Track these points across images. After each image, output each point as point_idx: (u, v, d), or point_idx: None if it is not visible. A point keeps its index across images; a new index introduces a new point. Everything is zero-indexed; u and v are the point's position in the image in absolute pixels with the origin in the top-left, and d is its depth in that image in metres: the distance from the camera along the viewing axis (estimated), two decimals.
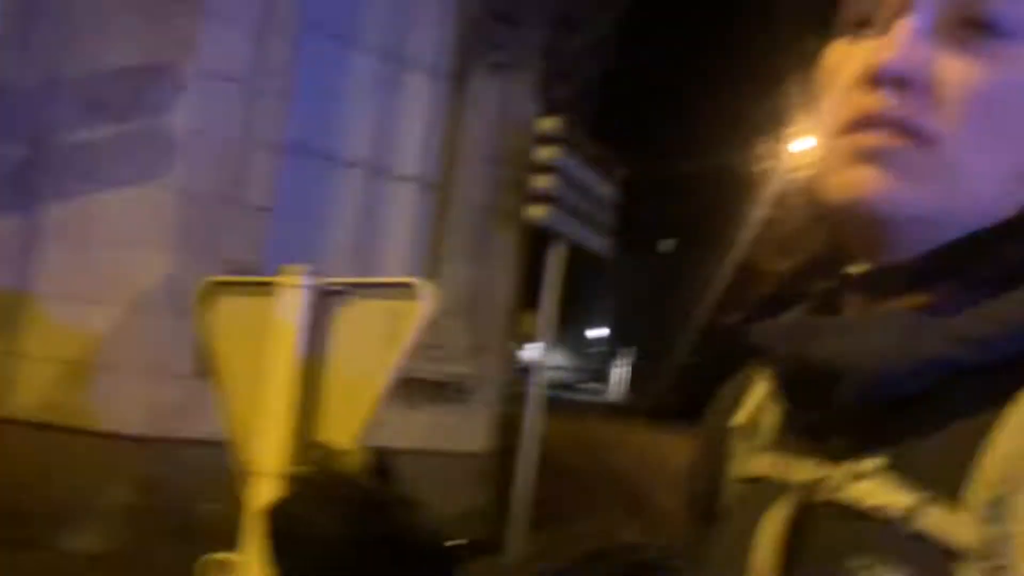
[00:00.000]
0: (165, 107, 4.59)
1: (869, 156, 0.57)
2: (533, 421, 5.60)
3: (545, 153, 5.36)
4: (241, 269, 4.45)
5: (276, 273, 1.54)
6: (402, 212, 5.76)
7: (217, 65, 4.68)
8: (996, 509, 0.50)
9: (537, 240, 6.43)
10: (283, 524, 0.79)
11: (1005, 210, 0.57)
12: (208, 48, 4.65)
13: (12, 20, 4.70)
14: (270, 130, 4.87)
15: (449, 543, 0.84)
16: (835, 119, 0.59)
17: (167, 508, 4.42)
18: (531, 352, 6.93)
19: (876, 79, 0.56)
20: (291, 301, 1.46)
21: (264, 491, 1.43)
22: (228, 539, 1.65)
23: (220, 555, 1.63)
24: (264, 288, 1.52)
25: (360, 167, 5.56)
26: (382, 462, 0.85)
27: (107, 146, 4.59)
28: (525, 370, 6.68)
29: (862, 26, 0.60)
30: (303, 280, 1.46)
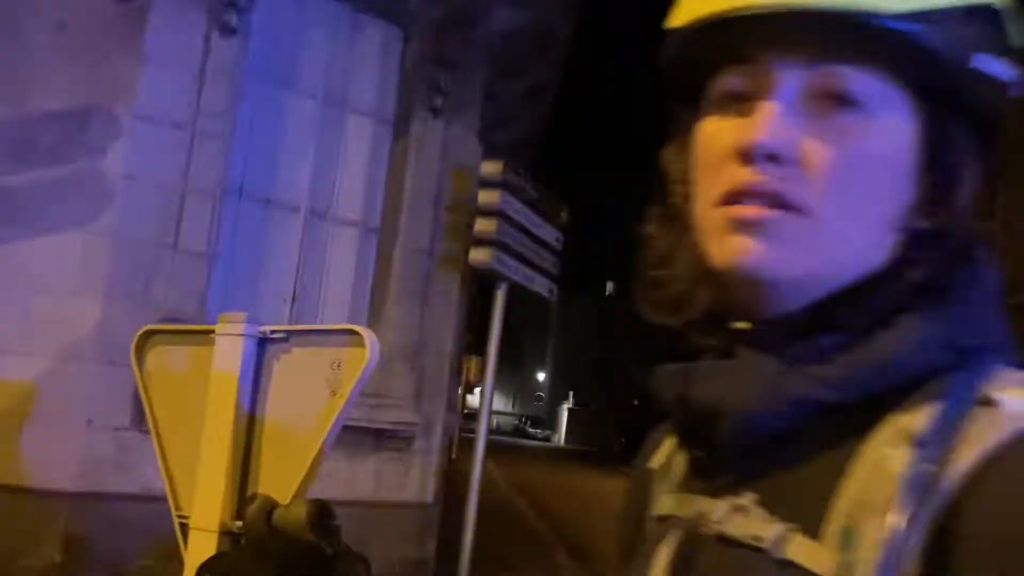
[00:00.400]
0: (101, 151, 4.50)
1: (747, 226, 0.62)
2: (479, 468, 5.54)
3: (488, 197, 5.37)
4: (179, 317, 4.35)
5: (215, 321, 1.49)
6: (344, 257, 5.71)
7: (156, 109, 4.61)
8: (847, 538, 0.56)
9: (481, 284, 6.43)
10: None
11: (874, 260, 0.64)
12: (147, 92, 4.58)
13: None
14: (210, 174, 4.80)
15: None
16: (712, 190, 0.65)
17: (97, 568, 4.25)
18: (476, 398, 6.89)
19: (749, 155, 0.62)
20: (231, 350, 1.42)
21: (202, 546, 1.37)
22: None
23: None
24: (203, 336, 1.47)
25: (302, 211, 5.51)
26: (323, 514, 0.84)
27: (39, 191, 4.47)
28: (470, 416, 6.62)
29: (731, 101, 0.66)
30: (243, 328, 1.42)
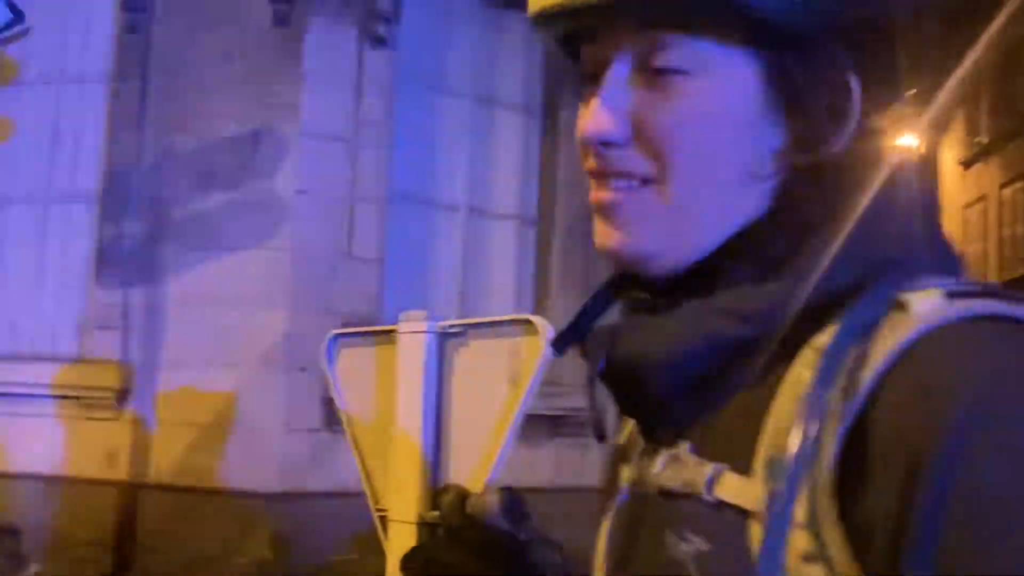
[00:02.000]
0: (273, 170, 4.77)
1: (607, 211, 0.67)
2: None
3: None
4: (357, 321, 4.54)
5: (390, 321, 1.56)
6: (505, 250, 5.80)
7: (319, 125, 4.84)
8: (773, 467, 0.56)
9: None
10: (421, 570, 0.80)
11: (749, 210, 0.64)
12: (309, 110, 4.81)
13: (125, 102, 4.99)
14: (374, 183, 4.99)
15: None
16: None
17: (303, 562, 4.51)
18: None
19: (588, 147, 0.67)
20: (414, 346, 1.47)
21: (400, 538, 1.44)
22: None
23: None
24: (386, 336, 1.54)
25: (461, 210, 5.63)
26: (514, 502, 0.87)
27: (221, 213, 4.79)
28: None
29: (588, 81, 0.69)
30: (424, 325, 1.47)
